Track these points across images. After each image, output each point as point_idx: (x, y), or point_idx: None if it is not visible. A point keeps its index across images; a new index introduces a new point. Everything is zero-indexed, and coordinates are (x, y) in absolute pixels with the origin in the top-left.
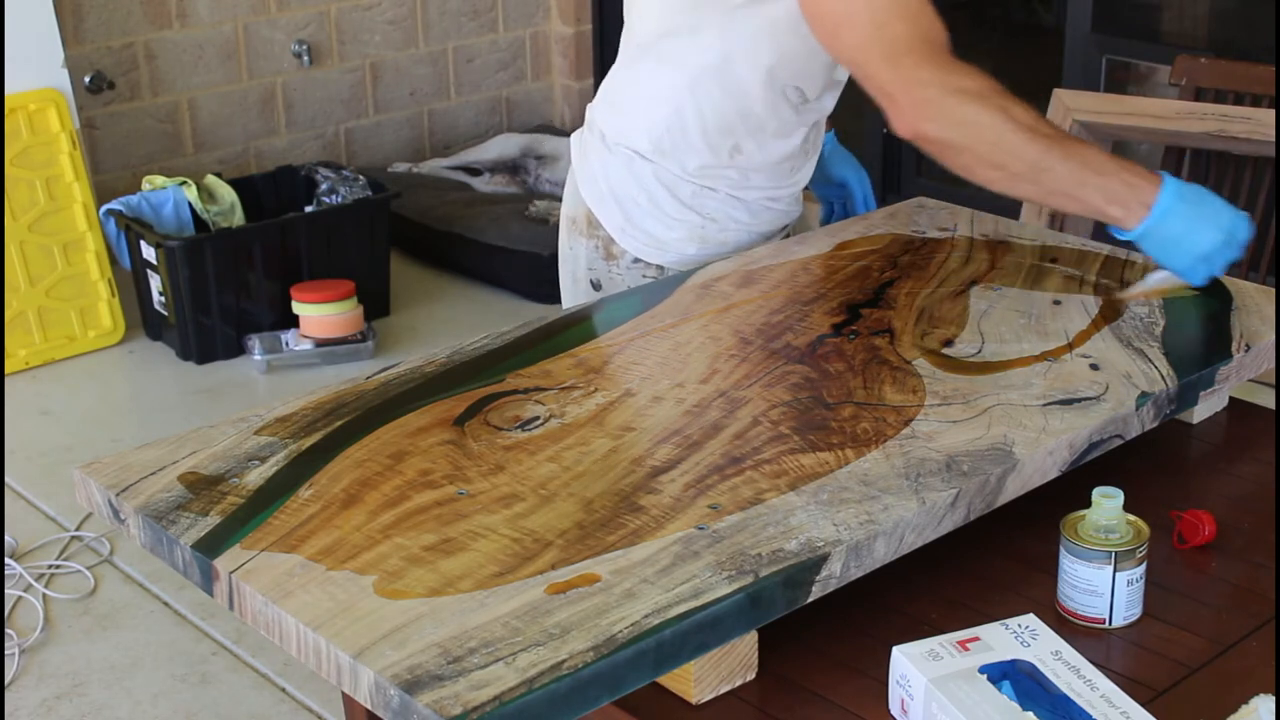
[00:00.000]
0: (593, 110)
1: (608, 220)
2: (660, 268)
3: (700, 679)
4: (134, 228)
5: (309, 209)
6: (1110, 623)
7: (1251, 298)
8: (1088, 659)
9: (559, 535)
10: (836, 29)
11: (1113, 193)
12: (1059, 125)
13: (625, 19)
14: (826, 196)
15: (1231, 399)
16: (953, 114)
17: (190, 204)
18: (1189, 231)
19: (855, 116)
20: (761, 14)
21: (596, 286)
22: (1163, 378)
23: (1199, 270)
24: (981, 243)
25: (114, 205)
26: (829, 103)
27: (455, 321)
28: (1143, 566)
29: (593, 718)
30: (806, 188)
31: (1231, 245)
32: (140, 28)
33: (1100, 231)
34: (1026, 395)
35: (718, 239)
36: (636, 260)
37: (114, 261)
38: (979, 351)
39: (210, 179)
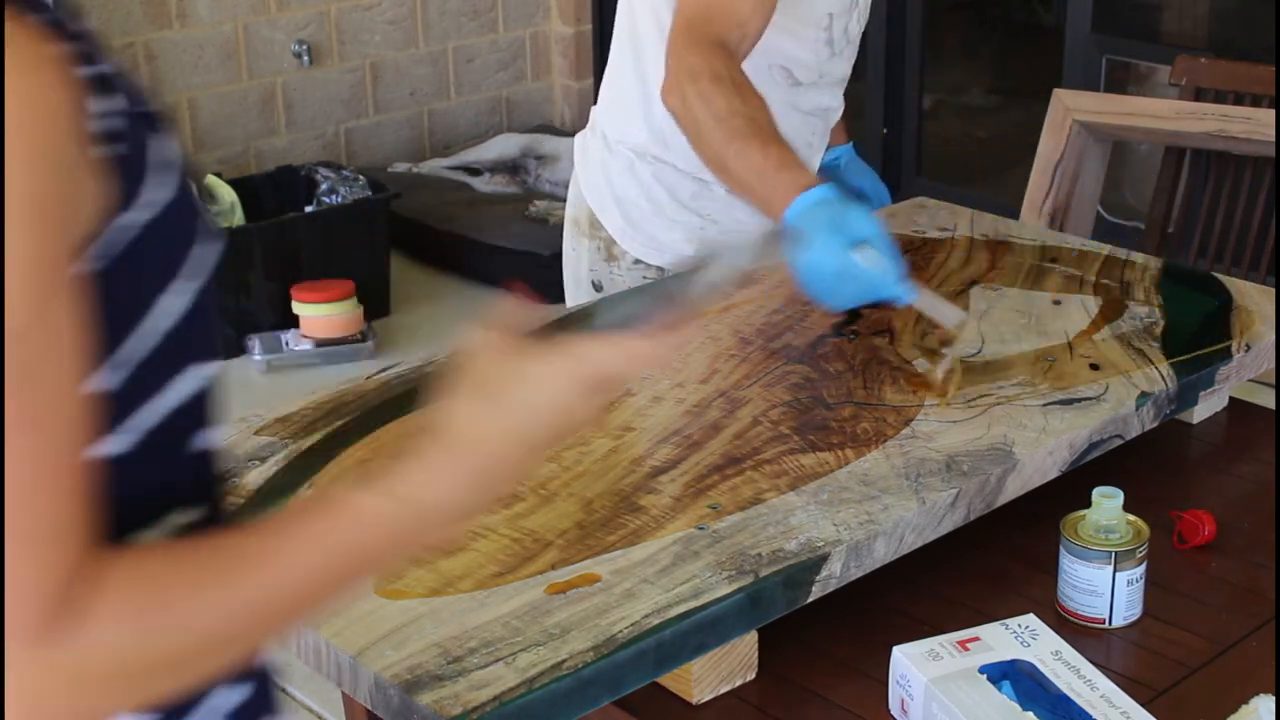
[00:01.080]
0: (595, 112)
1: (609, 222)
2: (661, 269)
3: (700, 679)
4: None
5: (309, 209)
6: (1110, 622)
7: (1251, 298)
8: (1088, 659)
9: (559, 535)
10: None
11: (766, 197)
12: (764, 117)
13: (617, 15)
14: None
15: (1231, 399)
16: (677, 89)
17: None
18: (801, 253)
19: (855, 116)
20: None
21: (598, 288)
22: (1163, 378)
23: (813, 289)
24: (981, 243)
25: None
26: (828, 99)
27: (455, 321)
28: (1143, 566)
29: (593, 718)
30: None
31: (829, 277)
32: (140, 27)
33: (1100, 231)
34: (1026, 395)
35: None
36: (637, 261)
37: None
38: (979, 351)
39: (210, 179)
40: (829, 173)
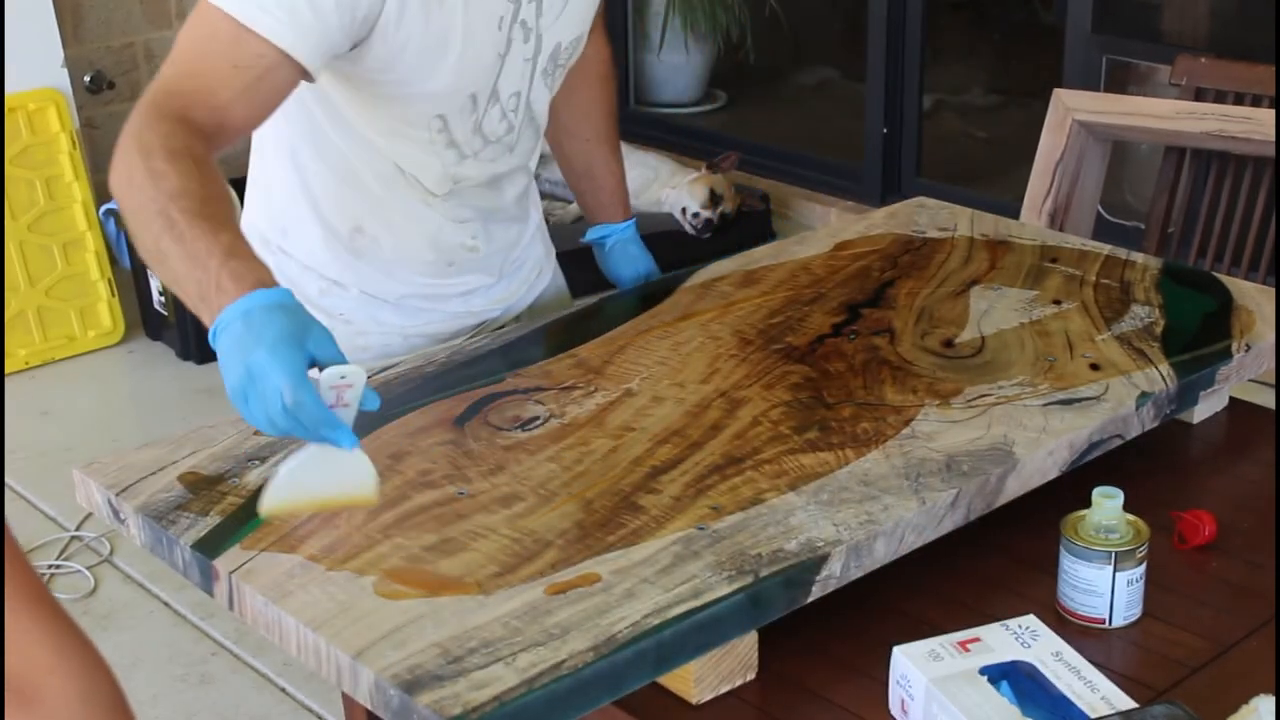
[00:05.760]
0: None
1: None
2: None
3: (700, 679)
4: None
5: None
6: (1110, 623)
7: (1251, 298)
8: (1088, 659)
9: (559, 535)
10: None
11: (204, 291)
12: (224, 204)
13: None
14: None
15: (1232, 399)
16: (124, 168)
17: None
18: (227, 358)
19: (855, 116)
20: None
21: None
22: (1163, 378)
23: (238, 405)
24: (981, 243)
25: (114, 205)
26: (489, 200)
27: None
28: (1143, 566)
29: (593, 718)
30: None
31: (252, 391)
32: (140, 28)
33: (1100, 231)
34: (1026, 395)
35: (356, 344)
36: None
37: (114, 261)
38: (979, 351)
39: None
40: (595, 251)
